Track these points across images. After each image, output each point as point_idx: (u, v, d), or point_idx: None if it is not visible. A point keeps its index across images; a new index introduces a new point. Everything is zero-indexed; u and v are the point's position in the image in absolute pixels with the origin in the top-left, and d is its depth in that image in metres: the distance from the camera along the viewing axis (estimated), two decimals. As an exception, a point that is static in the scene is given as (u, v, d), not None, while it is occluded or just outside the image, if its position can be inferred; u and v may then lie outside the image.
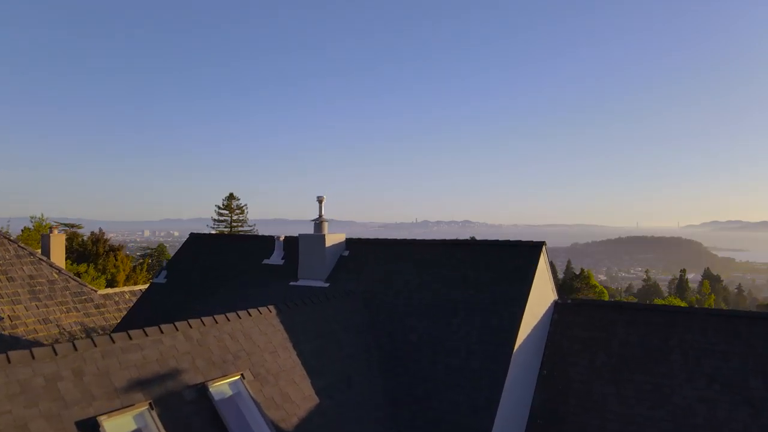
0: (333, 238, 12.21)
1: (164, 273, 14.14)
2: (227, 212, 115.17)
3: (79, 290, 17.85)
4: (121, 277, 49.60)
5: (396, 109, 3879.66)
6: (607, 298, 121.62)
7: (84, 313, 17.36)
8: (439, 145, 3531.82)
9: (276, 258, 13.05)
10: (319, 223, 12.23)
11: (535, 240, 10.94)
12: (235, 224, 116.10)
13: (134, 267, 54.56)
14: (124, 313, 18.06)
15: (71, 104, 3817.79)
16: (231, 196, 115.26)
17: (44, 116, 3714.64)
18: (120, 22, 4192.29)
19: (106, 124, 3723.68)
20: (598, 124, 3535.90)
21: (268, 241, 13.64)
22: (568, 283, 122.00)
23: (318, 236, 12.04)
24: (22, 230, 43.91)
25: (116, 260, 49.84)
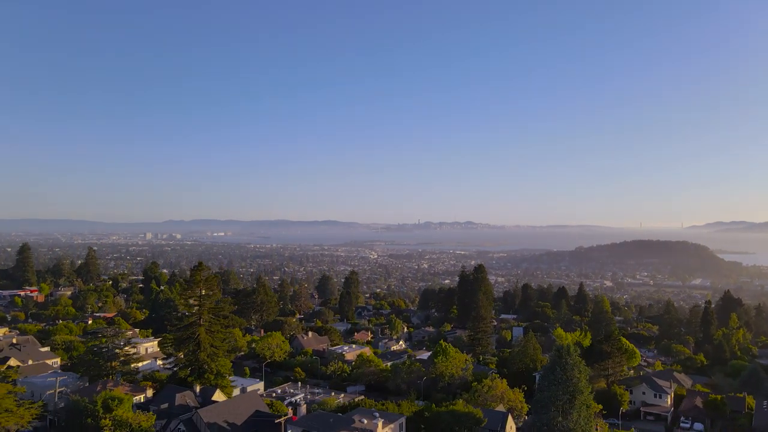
0: None
1: None
2: (193, 291, 77.32)
3: None
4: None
5: (397, 112, 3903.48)
6: (639, 359, 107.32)
7: None
8: (441, 145, 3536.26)
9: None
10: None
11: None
12: (204, 300, 78.66)
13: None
14: None
15: (71, 105, 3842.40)
16: (200, 266, 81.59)
17: (44, 117, 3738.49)
18: (125, 23, 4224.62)
19: (107, 125, 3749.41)
20: (600, 125, 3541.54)
21: None
22: (597, 347, 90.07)
23: None
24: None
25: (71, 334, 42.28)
